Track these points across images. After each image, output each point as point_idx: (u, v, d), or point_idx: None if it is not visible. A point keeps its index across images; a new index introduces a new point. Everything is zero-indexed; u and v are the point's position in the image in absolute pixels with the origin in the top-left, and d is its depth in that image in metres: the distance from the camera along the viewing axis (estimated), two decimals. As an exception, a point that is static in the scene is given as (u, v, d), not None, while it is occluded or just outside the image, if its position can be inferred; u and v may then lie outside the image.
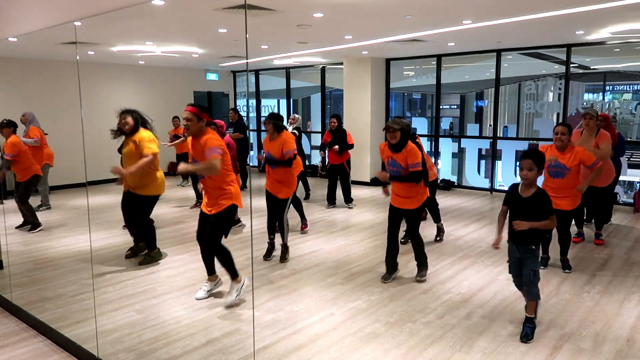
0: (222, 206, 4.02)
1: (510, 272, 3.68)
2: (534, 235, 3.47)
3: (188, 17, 5.64)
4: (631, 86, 12.85)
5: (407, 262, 5.20)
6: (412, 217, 4.62)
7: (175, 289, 4.50)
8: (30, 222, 6.46)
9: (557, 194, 4.65)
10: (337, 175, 7.97)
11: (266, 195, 5.36)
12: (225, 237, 4.10)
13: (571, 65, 8.27)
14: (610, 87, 12.97)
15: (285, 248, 5.32)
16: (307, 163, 11.46)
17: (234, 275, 4.14)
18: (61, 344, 3.51)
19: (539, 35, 7.36)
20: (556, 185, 4.69)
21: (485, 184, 9.58)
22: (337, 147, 7.62)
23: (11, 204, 6.87)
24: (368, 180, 10.26)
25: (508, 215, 3.56)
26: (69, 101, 7.81)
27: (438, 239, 6.00)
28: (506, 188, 9.15)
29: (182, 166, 3.89)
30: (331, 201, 8.07)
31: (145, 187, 5.03)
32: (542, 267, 4.88)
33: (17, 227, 6.47)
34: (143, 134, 4.95)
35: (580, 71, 8.71)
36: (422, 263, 4.75)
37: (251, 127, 12.98)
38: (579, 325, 3.71)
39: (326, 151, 7.95)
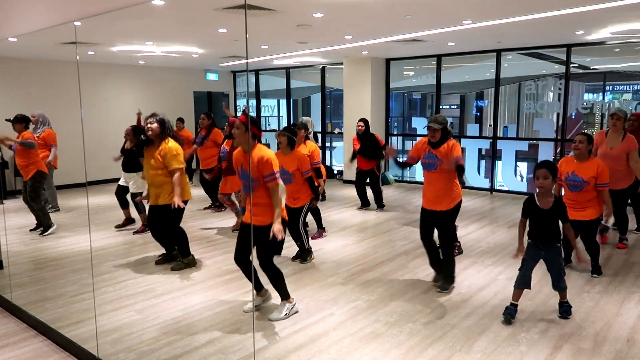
0: (269, 218, 3.68)
1: (521, 269, 3.80)
2: (558, 234, 3.72)
3: (188, 17, 5.64)
4: (631, 86, 12.86)
5: (407, 262, 5.21)
6: (443, 220, 4.34)
7: (175, 289, 4.50)
8: (43, 224, 6.31)
9: (578, 206, 4.60)
10: (366, 180, 7.78)
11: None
12: (278, 254, 3.94)
13: (571, 65, 8.27)
14: (610, 87, 12.97)
15: (307, 251, 5.24)
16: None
17: (285, 295, 3.91)
18: (61, 344, 3.51)
19: (539, 35, 7.36)
20: (576, 198, 4.60)
21: (485, 184, 9.59)
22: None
23: (11, 204, 6.87)
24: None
25: (527, 221, 3.78)
26: (69, 101, 7.81)
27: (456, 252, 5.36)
28: (506, 188, 9.24)
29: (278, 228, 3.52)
30: (365, 203, 7.91)
31: (169, 196, 4.77)
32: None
33: (30, 230, 6.35)
34: (170, 145, 4.78)
35: (580, 71, 8.71)
36: (449, 275, 4.47)
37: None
38: (579, 325, 3.71)
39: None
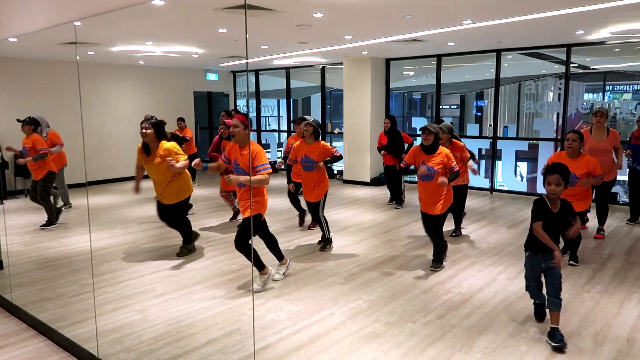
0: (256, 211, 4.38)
1: (527, 289, 3.65)
2: (558, 241, 3.50)
3: (188, 17, 5.64)
4: (631, 86, 12.86)
5: (407, 262, 5.21)
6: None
7: (175, 289, 4.50)
8: (48, 220, 6.49)
9: (569, 200, 4.69)
10: (393, 175, 7.99)
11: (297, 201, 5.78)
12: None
13: (571, 65, 8.27)
14: (610, 87, 12.98)
15: (326, 240, 5.67)
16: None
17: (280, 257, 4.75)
18: (61, 344, 3.51)
19: (539, 35, 7.36)
20: (567, 192, 4.62)
21: (485, 184, 9.59)
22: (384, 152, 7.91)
23: (11, 204, 6.87)
24: (368, 180, 10.26)
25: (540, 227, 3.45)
26: (69, 101, 7.79)
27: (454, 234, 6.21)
28: (506, 188, 9.23)
29: (234, 177, 4.26)
30: (398, 201, 8.10)
31: (171, 197, 5.21)
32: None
33: (41, 226, 6.47)
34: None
35: (580, 71, 8.70)
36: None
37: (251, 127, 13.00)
38: (579, 325, 3.71)
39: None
